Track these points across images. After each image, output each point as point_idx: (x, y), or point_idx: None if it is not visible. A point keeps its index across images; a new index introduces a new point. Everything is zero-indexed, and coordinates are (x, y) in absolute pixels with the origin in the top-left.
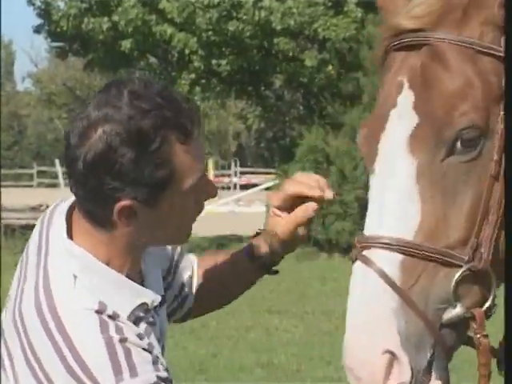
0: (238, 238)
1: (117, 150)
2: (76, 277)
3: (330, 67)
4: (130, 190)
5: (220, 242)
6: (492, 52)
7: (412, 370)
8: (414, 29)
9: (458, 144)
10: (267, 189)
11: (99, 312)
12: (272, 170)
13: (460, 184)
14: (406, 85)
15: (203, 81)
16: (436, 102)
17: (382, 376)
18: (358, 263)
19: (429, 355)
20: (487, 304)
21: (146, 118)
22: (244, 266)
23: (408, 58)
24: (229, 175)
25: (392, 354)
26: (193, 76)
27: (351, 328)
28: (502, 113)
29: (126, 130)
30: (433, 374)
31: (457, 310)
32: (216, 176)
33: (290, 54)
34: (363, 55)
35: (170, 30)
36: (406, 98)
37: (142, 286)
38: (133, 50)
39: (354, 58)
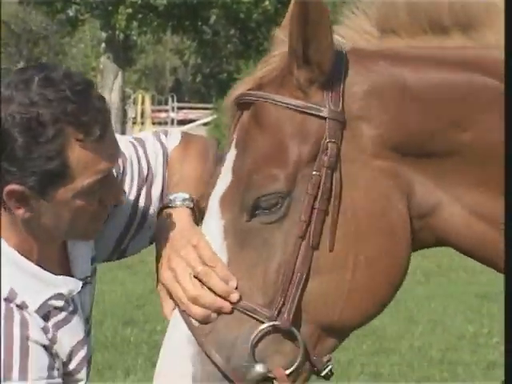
0: None
1: (10, 134)
2: None
3: (267, 2)
4: (19, 176)
5: None
6: (312, 112)
7: None
8: (249, 88)
9: (258, 209)
10: (205, 124)
11: (8, 300)
12: (209, 106)
13: (266, 245)
14: (234, 143)
15: (140, 15)
16: (246, 163)
17: None
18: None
19: None
20: (293, 366)
21: (46, 108)
22: None
23: (240, 116)
24: (166, 110)
25: None
26: (130, 10)
27: (156, 375)
28: (314, 173)
29: (23, 115)
30: None
31: (257, 369)
32: (153, 111)
33: None
34: None
35: None
36: (231, 155)
37: (68, 271)
38: None
39: None
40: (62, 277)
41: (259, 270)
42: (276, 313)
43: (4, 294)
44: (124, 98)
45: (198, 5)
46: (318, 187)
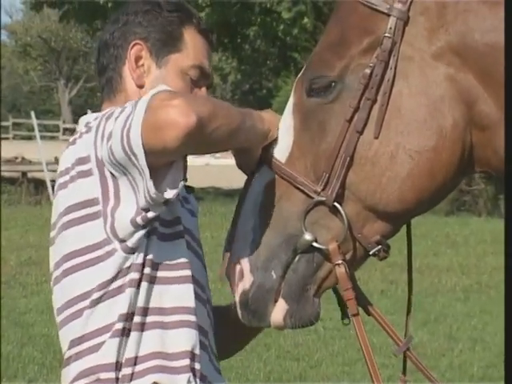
0: (215, 191)
1: (160, 6)
2: None
3: (306, 20)
4: (145, 32)
5: (196, 195)
6: (378, 8)
7: (254, 280)
8: None
9: (312, 90)
10: None
11: None
12: None
13: (320, 126)
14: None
15: None
16: (315, 49)
17: (234, 282)
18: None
19: (274, 275)
20: (340, 239)
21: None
22: None
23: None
24: None
25: (240, 265)
26: None
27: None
28: (371, 64)
29: None
30: (280, 297)
31: (306, 237)
32: None
33: (268, 6)
34: None
35: None
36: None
37: None
38: (108, 0)
39: (329, 11)
40: None
41: (313, 149)
42: (321, 189)
43: None
44: None
45: (238, 23)
46: (370, 77)
